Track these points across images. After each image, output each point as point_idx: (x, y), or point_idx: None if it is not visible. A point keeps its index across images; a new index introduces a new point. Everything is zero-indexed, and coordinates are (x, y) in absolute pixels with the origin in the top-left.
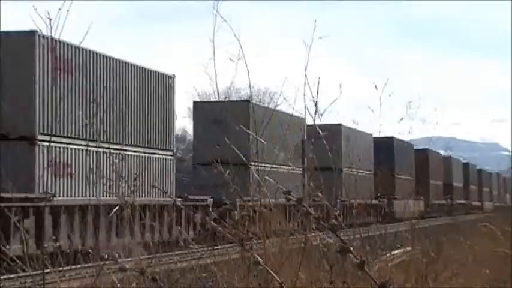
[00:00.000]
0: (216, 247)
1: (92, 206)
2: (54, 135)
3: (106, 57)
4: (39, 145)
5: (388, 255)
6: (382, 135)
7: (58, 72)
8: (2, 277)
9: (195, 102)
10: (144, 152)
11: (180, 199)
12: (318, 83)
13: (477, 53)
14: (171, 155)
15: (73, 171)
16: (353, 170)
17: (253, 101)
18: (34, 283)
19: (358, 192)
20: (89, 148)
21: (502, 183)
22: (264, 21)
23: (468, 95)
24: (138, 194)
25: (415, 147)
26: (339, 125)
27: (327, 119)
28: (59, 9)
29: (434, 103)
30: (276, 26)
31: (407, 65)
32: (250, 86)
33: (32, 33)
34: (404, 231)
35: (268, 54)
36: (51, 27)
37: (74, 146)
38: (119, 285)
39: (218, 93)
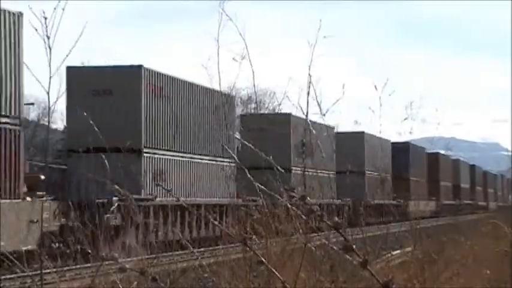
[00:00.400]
0: (217, 247)
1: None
2: (154, 148)
3: (184, 82)
4: (144, 156)
5: (388, 255)
6: (383, 135)
7: (155, 97)
8: (2, 277)
9: (242, 116)
10: (211, 160)
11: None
12: (311, 83)
13: (477, 53)
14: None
15: (167, 177)
16: (375, 173)
17: (254, 102)
18: (33, 283)
19: (378, 193)
20: (177, 158)
21: (505, 184)
22: (265, 21)
23: (469, 95)
24: (208, 195)
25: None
26: (362, 132)
27: (329, 119)
28: (54, 8)
29: (435, 103)
30: (277, 26)
31: (408, 65)
32: (254, 85)
33: (139, 67)
34: (405, 232)
35: (268, 54)
36: (46, 26)
37: (168, 157)
38: (120, 286)
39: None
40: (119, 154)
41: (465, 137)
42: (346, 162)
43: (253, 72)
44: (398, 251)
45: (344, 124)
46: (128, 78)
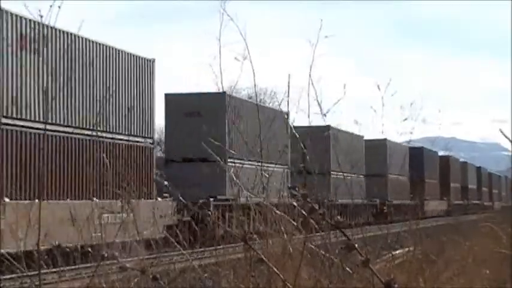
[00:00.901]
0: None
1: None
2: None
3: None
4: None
5: (389, 255)
6: (384, 135)
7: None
8: (2, 277)
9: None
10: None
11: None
12: (311, 83)
13: (477, 53)
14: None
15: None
16: (398, 176)
17: (254, 101)
18: (31, 283)
19: (399, 194)
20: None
21: (510, 185)
22: (264, 21)
23: (468, 95)
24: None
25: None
26: (385, 139)
27: (330, 119)
28: (50, 6)
29: (435, 103)
30: (276, 26)
31: (407, 65)
32: (255, 85)
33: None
34: (405, 232)
35: (268, 54)
36: (43, 25)
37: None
38: (118, 285)
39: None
40: (209, 163)
41: (465, 137)
42: (372, 166)
43: (253, 72)
44: (399, 251)
45: (344, 124)
46: (214, 102)
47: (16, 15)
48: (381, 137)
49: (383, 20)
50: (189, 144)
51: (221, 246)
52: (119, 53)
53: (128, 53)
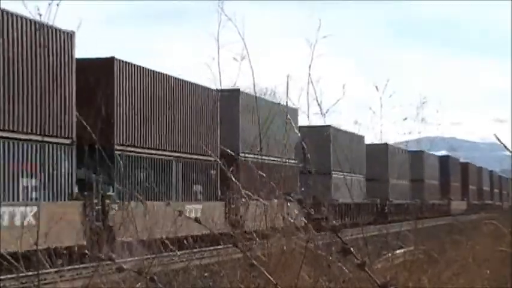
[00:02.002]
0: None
1: None
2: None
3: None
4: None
5: (389, 254)
6: (383, 136)
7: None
8: (2, 277)
9: None
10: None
11: None
12: (311, 82)
13: (477, 53)
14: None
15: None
16: (432, 181)
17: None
18: (30, 283)
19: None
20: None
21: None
22: (263, 21)
23: (468, 95)
24: None
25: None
26: (422, 152)
27: (331, 119)
28: (49, 4)
29: (434, 103)
30: (275, 26)
31: (407, 65)
32: (254, 85)
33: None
34: (407, 231)
35: (267, 54)
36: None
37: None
38: (119, 285)
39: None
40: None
41: (465, 137)
42: (413, 173)
43: (252, 72)
44: (400, 250)
45: (344, 124)
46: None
47: None
48: (380, 137)
49: (383, 20)
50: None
51: (221, 246)
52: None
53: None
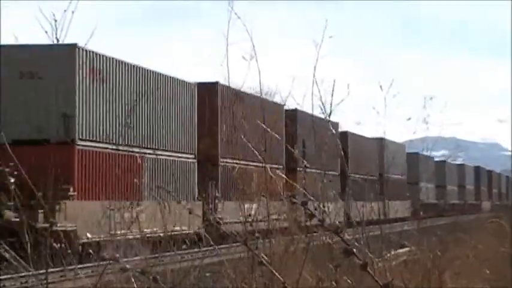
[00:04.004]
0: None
1: None
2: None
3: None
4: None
5: (392, 253)
6: (387, 136)
7: None
8: (2, 277)
9: None
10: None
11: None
12: (311, 82)
13: (477, 53)
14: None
15: None
16: (465, 185)
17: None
18: (37, 282)
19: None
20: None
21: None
22: (263, 21)
23: (468, 95)
24: None
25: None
26: (462, 165)
27: (334, 119)
28: (65, 10)
29: (440, 103)
30: (275, 26)
31: (407, 65)
32: (260, 83)
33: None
34: (412, 230)
35: (266, 54)
36: (56, 28)
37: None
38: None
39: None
40: None
41: (465, 137)
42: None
43: (259, 71)
44: (405, 249)
45: (346, 124)
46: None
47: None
48: (384, 136)
49: (382, 20)
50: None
51: (223, 246)
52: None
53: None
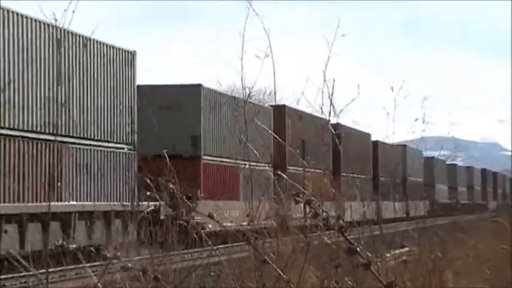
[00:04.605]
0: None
1: None
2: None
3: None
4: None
5: (392, 253)
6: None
7: None
8: (3, 277)
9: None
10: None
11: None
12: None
13: (477, 53)
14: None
15: None
16: (473, 186)
17: (255, 102)
18: (37, 282)
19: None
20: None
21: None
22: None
23: (468, 95)
24: None
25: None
26: (471, 167)
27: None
28: (65, 10)
29: (434, 103)
30: (276, 27)
31: (406, 65)
32: (275, 84)
33: None
34: (411, 230)
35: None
36: (57, 28)
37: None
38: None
39: (244, 89)
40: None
41: (465, 137)
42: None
43: (274, 70)
44: (405, 249)
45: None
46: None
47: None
48: (392, 137)
49: (382, 20)
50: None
51: (226, 245)
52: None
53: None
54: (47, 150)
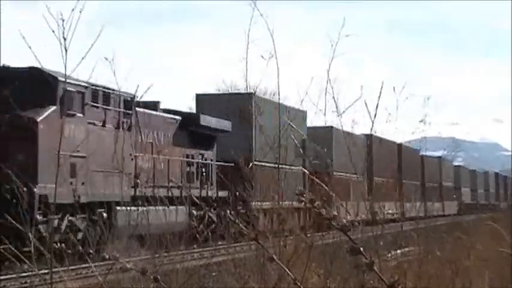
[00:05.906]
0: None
1: None
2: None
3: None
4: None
5: (392, 253)
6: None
7: None
8: (3, 277)
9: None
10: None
11: None
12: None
13: (477, 53)
14: None
15: None
16: (489, 188)
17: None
18: (41, 281)
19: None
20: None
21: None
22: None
23: (468, 95)
24: None
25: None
26: (487, 172)
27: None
28: (72, 10)
29: (434, 103)
30: (276, 27)
31: (406, 65)
32: (278, 85)
33: None
34: (410, 230)
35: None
36: (63, 28)
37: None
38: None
39: (248, 88)
40: None
41: (464, 137)
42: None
43: (278, 71)
44: (406, 249)
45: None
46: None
47: None
48: (394, 137)
49: (381, 20)
50: None
51: (232, 245)
52: None
53: None
54: None
